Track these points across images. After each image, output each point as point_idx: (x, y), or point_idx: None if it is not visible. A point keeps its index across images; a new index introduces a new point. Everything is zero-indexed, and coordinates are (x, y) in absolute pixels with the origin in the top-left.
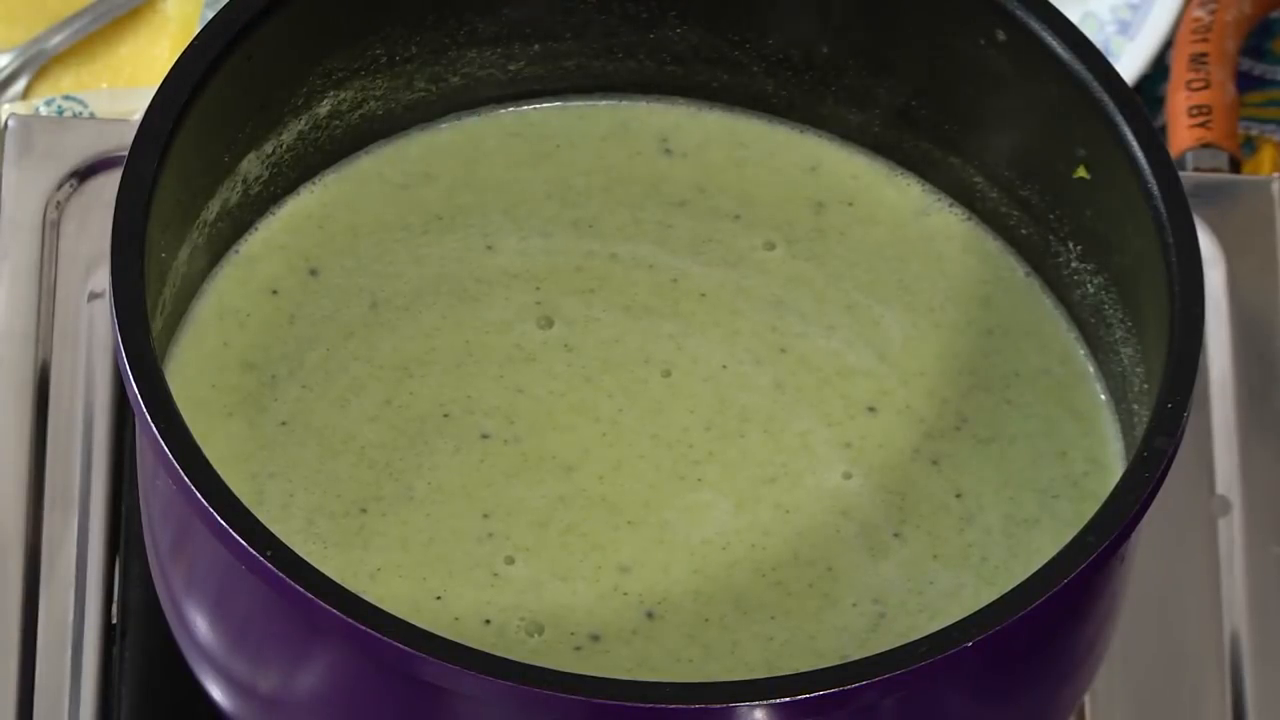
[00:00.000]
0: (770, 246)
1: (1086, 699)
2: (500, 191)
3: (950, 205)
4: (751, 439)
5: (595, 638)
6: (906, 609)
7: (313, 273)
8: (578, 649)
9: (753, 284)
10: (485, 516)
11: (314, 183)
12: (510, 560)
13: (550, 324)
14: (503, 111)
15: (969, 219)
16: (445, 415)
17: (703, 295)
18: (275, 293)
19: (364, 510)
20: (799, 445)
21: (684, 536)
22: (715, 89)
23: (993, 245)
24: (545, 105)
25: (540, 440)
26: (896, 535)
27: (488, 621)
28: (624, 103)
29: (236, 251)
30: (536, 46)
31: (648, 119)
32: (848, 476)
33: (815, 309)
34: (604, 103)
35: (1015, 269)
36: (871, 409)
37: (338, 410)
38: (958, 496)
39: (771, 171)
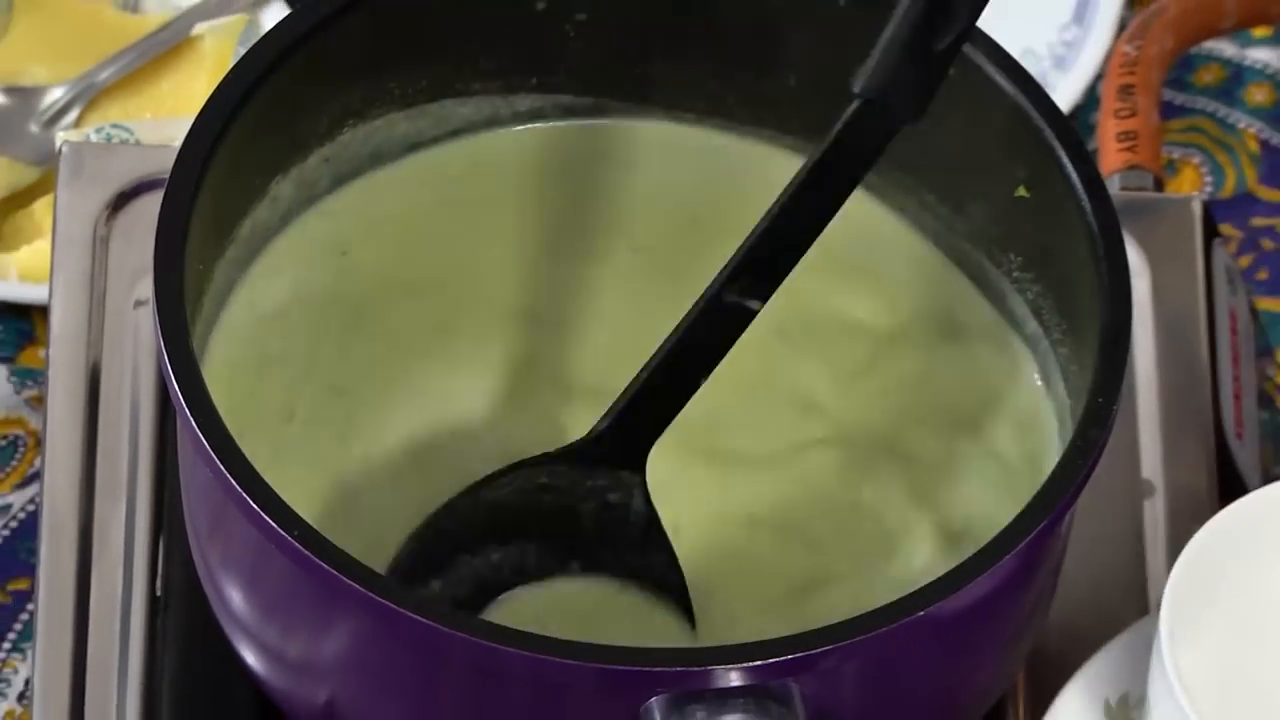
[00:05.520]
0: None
1: (1026, 662)
2: (509, 206)
3: (901, 220)
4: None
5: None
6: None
7: (334, 276)
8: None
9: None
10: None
11: (334, 197)
12: None
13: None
14: (508, 131)
15: (916, 231)
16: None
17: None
18: (301, 297)
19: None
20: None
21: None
22: (684, 108)
23: (938, 257)
24: (541, 126)
25: None
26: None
27: None
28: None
29: (265, 261)
30: (534, 80)
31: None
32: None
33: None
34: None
35: (963, 280)
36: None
37: (352, 407)
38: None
39: (734, 184)
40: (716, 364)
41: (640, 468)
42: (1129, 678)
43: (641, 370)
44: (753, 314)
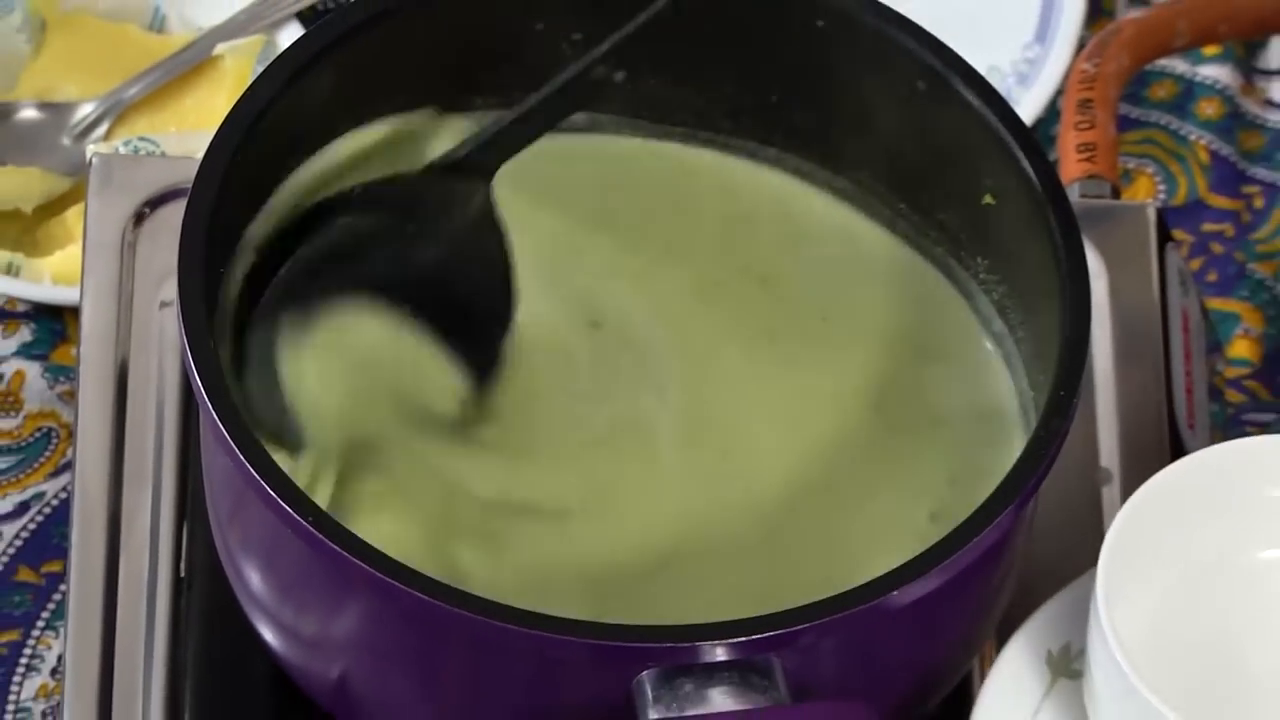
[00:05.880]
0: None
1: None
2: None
3: (877, 226)
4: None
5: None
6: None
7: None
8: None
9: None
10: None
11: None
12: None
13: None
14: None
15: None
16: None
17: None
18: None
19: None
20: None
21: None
22: (674, 122)
23: (917, 261)
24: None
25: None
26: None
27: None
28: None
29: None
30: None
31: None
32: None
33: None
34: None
35: (938, 281)
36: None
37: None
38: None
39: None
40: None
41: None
42: (1069, 630)
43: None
44: (618, 85)
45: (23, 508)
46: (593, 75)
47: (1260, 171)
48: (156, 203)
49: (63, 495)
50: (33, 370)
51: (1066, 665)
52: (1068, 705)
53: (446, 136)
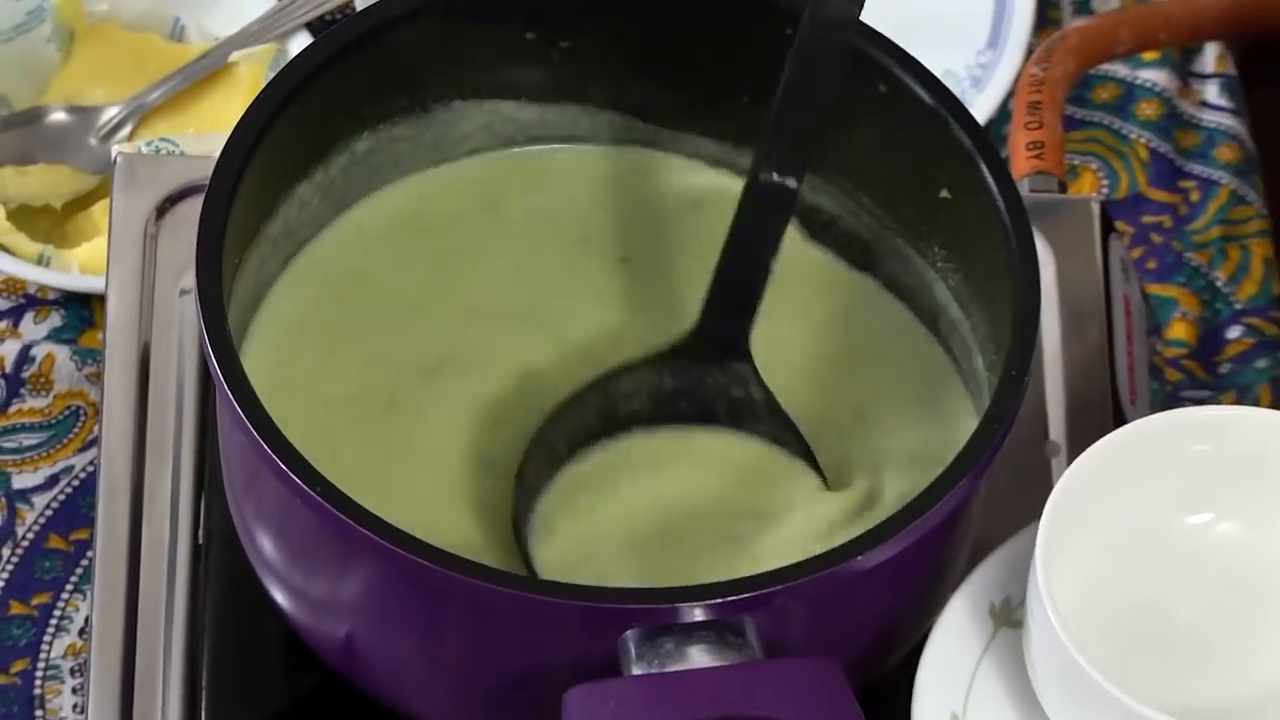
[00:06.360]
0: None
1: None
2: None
3: (842, 222)
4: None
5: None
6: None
7: (356, 275)
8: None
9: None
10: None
11: (358, 200)
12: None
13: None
14: (512, 151)
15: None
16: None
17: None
18: (327, 289)
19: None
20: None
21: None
22: (660, 124)
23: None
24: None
25: None
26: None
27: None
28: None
29: (298, 256)
30: (523, 98)
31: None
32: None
33: None
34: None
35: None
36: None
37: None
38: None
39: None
40: (777, 247)
41: (747, 355)
42: (1010, 583)
43: (718, 264)
44: (793, 193)
45: (53, 480)
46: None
47: (1196, 167)
48: (176, 198)
49: (90, 469)
50: (62, 353)
51: (1008, 616)
52: (1009, 653)
53: (461, 128)
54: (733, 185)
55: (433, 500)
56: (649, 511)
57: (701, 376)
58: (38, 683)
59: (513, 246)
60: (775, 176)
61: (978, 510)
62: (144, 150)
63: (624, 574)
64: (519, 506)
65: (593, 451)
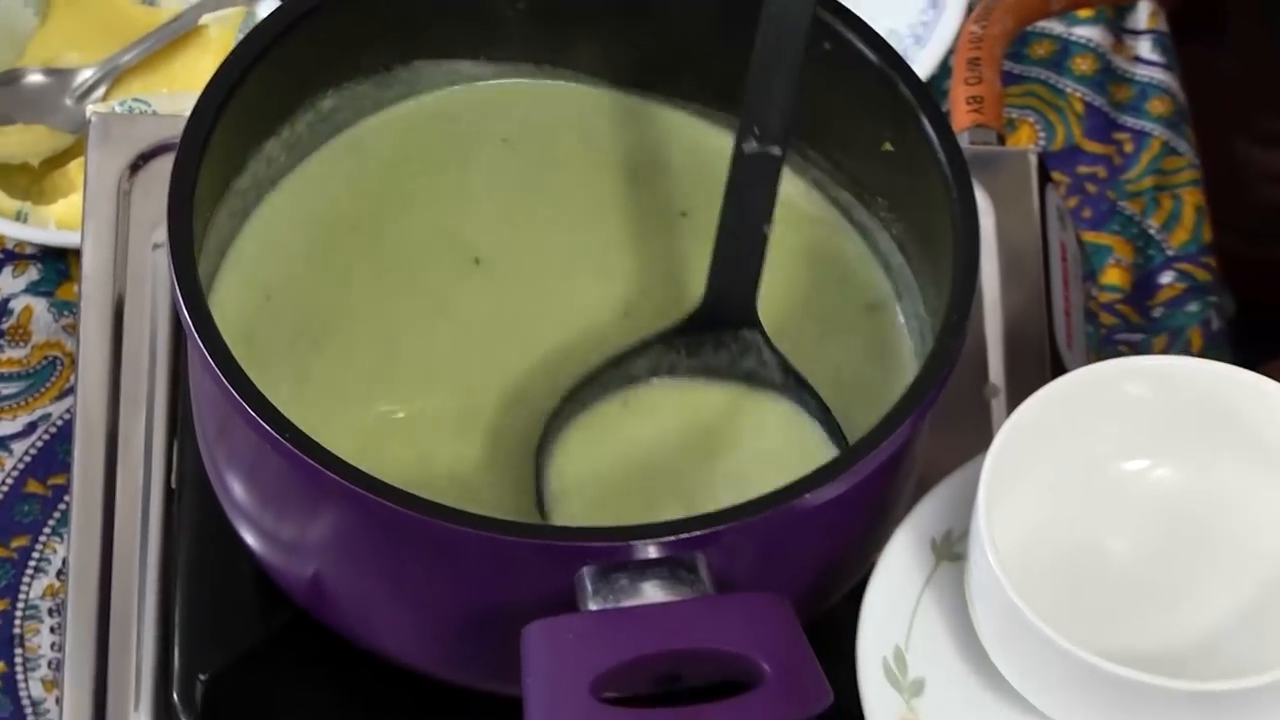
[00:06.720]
0: (684, 214)
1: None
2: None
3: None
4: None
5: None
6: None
7: (315, 223)
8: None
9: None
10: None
11: (321, 153)
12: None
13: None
14: (467, 87)
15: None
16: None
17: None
18: (288, 241)
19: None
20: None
21: None
22: (609, 77)
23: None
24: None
25: None
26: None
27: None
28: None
29: (264, 210)
30: (481, 52)
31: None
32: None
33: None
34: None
35: (838, 220)
36: None
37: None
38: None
39: (670, 148)
40: (770, 215)
41: (756, 323)
42: (950, 517)
43: (716, 236)
44: (778, 159)
45: (31, 427)
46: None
47: (1129, 120)
48: (149, 156)
49: (66, 416)
50: (40, 305)
51: (949, 549)
52: (950, 587)
53: (416, 88)
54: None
55: (435, 432)
56: (656, 452)
57: (715, 348)
58: (17, 622)
59: (487, 183)
60: (758, 146)
61: (921, 449)
62: (118, 110)
63: (628, 511)
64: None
65: (609, 398)
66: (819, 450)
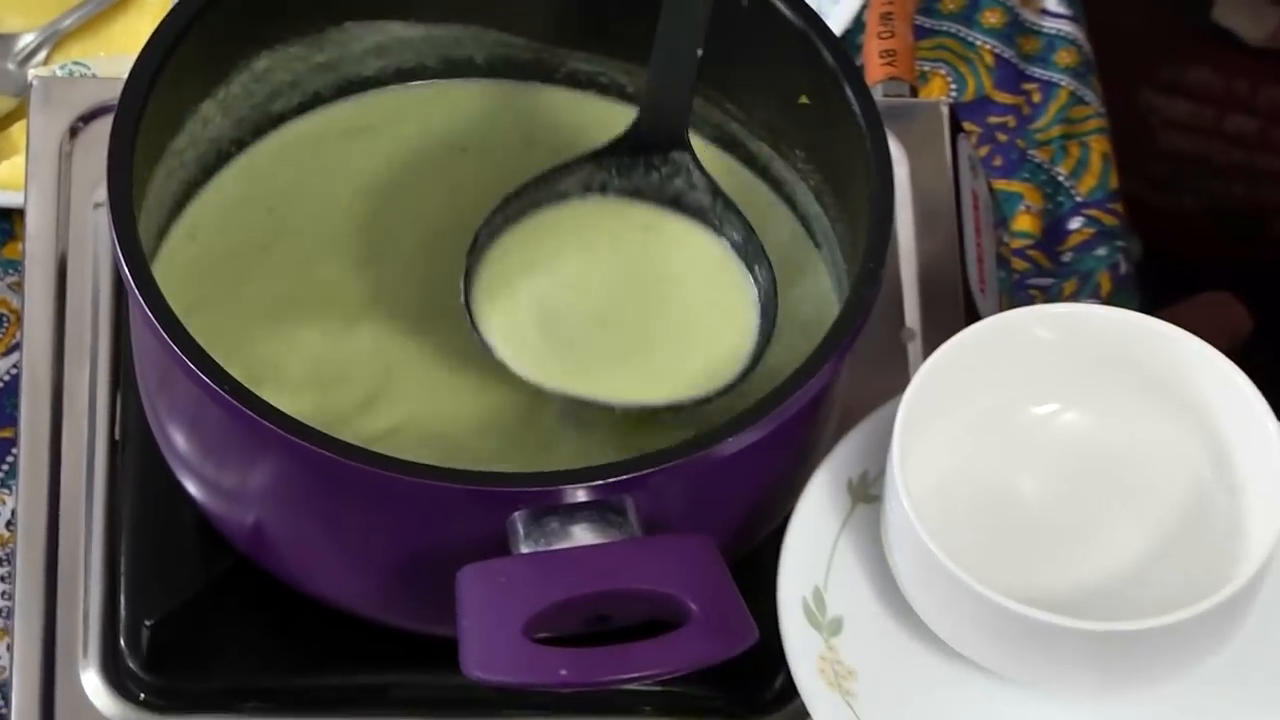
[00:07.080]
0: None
1: None
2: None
3: (704, 128)
4: None
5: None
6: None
7: (255, 194)
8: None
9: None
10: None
11: (259, 116)
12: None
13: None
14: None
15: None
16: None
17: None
18: (226, 207)
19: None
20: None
21: None
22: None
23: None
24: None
25: None
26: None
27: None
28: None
29: (205, 175)
30: (413, 21)
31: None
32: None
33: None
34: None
35: (755, 180)
36: None
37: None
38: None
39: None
40: (702, 38)
41: (686, 145)
42: (865, 459)
43: (651, 58)
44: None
45: None
46: None
47: (1037, 71)
48: (89, 118)
49: (13, 372)
50: None
51: (864, 491)
52: (866, 526)
53: (353, 48)
54: (622, 114)
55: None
56: (581, 269)
57: (645, 168)
58: None
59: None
60: None
61: (840, 393)
62: (58, 73)
63: (547, 359)
64: (468, 271)
65: (536, 217)
66: (736, 277)
